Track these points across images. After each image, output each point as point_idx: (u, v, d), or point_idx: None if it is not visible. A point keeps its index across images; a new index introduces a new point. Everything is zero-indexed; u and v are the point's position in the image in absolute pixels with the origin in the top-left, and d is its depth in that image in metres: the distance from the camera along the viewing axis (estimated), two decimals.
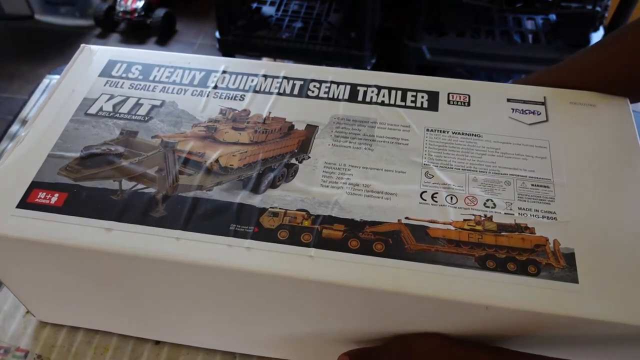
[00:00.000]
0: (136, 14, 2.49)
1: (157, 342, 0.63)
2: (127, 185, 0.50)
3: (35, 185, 0.49)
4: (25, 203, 0.48)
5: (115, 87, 0.58)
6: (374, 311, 0.46)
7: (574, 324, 0.42)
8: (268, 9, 2.19)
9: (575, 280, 0.43)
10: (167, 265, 0.46)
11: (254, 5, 2.18)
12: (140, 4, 2.49)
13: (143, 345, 0.63)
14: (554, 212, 0.47)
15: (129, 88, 0.58)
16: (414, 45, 1.95)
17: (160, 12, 2.48)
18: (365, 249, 0.45)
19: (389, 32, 2.13)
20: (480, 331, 0.46)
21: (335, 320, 0.49)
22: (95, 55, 0.62)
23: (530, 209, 0.47)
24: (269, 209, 0.48)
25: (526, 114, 0.55)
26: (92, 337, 0.63)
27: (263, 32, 2.07)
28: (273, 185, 0.50)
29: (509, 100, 0.56)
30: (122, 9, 2.50)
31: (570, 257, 0.44)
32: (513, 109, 0.56)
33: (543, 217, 0.47)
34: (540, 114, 0.55)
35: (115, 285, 0.51)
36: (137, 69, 0.60)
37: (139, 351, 0.62)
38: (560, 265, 0.44)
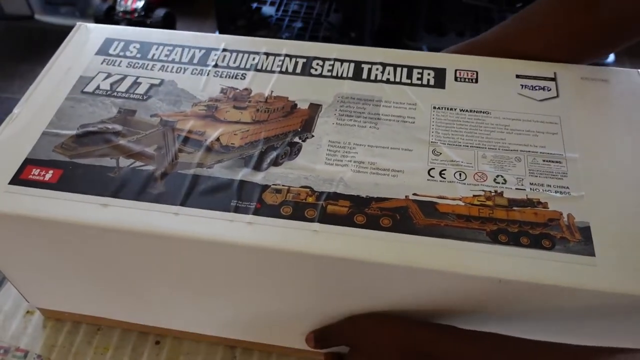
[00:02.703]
0: (136, 14, 2.48)
1: (157, 342, 0.63)
2: (124, 162, 0.48)
3: (29, 162, 0.48)
4: (19, 179, 0.47)
5: (113, 65, 0.57)
6: (379, 287, 0.44)
7: (590, 297, 0.40)
8: (268, 9, 2.18)
9: (592, 253, 0.41)
10: (166, 241, 0.44)
11: (254, 5, 2.18)
12: (140, 4, 2.48)
13: (143, 345, 0.62)
14: (567, 187, 0.46)
15: (126, 66, 0.57)
16: (413, 45, 1.94)
17: (160, 12, 2.47)
18: (372, 224, 0.43)
19: (389, 32, 2.12)
20: (487, 308, 0.44)
21: (335, 298, 0.47)
22: (91, 34, 0.60)
23: (542, 184, 0.46)
24: (272, 186, 0.46)
25: (536, 90, 0.54)
26: (93, 336, 0.63)
27: (263, 32, 2.06)
28: (276, 163, 0.48)
29: (517, 76, 0.55)
30: (122, 9, 2.49)
31: (585, 231, 0.42)
32: (522, 85, 0.54)
33: (556, 192, 0.45)
34: (550, 89, 0.54)
35: (111, 266, 0.49)
36: (135, 47, 0.59)
37: (139, 351, 0.62)
38: (576, 238, 0.42)
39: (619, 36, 0.56)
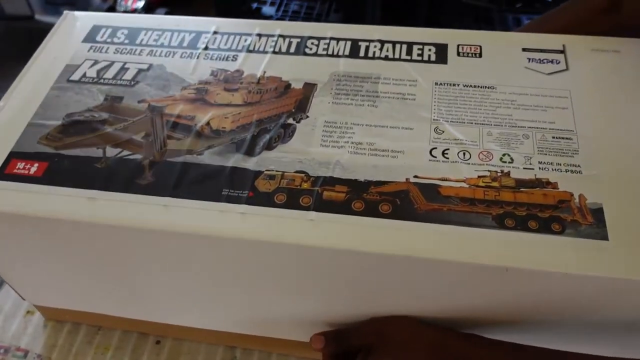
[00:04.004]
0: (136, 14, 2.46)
1: (158, 342, 0.62)
2: (111, 152, 0.46)
3: (13, 156, 0.46)
4: (4, 174, 0.45)
5: (100, 52, 0.54)
6: (379, 279, 0.42)
7: (603, 285, 0.38)
8: (268, 9, 2.14)
9: (605, 237, 0.38)
10: (155, 235, 0.42)
11: (254, 5, 2.14)
12: (140, 4, 2.46)
13: (144, 345, 0.62)
14: (579, 165, 0.43)
15: (114, 53, 0.54)
16: None
17: (160, 12, 2.45)
18: (371, 211, 0.41)
19: None
20: (492, 306, 0.42)
21: (334, 291, 0.45)
22: (78, 22, 0.58)
23: (551, 163, 0.43)
24: (265, 172, 0.44)
25: (544, 63, 0.50)
26: (93, 337, 0.62)
27: None
28: (269, 146, 0.46)
29: (524, 49, 0.52)
30: (122, 9, 2.46)
31: (598, 213, 0.40)
32: (529, 59, 0.51)
33: (566, 170, 0.42)
34: (559, 62, 0.50)
35: (102, 260, 0.47)
36: (123, 33, 0.56)
37: (139, 351, 0.61)
38: (588, 221, 0.39)
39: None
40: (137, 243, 0.44)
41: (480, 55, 0.52)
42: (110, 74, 0.52)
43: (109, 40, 0.56)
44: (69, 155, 0.46)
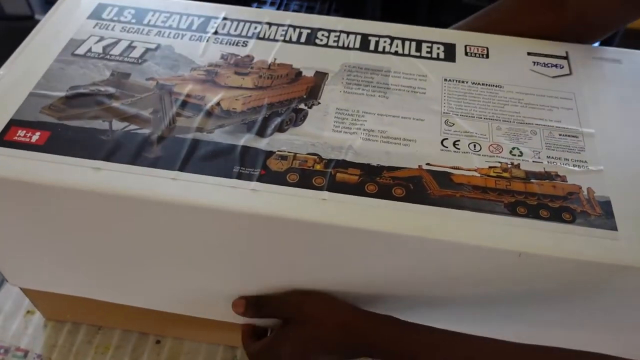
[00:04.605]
0: None
1: (158, 342, 0.61)
2: (118, 125, 0.45)
3: (14, 123, 0.44)
4: (3, 141, 0.43)
5: (106, 29, 0.53)
6: (391, 261, 0.42)
7: (612, 272, 0.38)
8: (268, 9, 2.15)
9: (614, 227, 0.39)
10: (162, 208, 0.41)
11: (254, 5, 2.15)
12: None
13: (144, 345, 0.61)
14: (585, 161, 0.44)
15: (120, 31, 0.53)
16: None
17: None
18: (385, 194, 0.41)
19: None
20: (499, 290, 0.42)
21: (338, 272, 0.45)
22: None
23: (559, 158, 0.44)
24: (277, 152, 0.43)
25: (548, 67, 0.52)
26: (93, 336, 0.61)
27: None
28: (280, 129, 0.45)
29: (529, 53, 0.53)
30: None
31: (606, 205, 0.41)
32: (535, 62, 0.52)
33: (574, 165, 0.43)
34: (563, 67, 0.52)
35: (101, 237, 0.46)
36: (129, 12, 0.55)
37: (140, 350, 0.60)
38: (597, 212, 0.40)
39: (581, 35, 0.55)
40: (142, 216, 0.42)
41: (488, 56, 0.53)
42: (117, 50, 0.51)
43: (115, 18, 0.55)
44: (73, 126, 0.44)
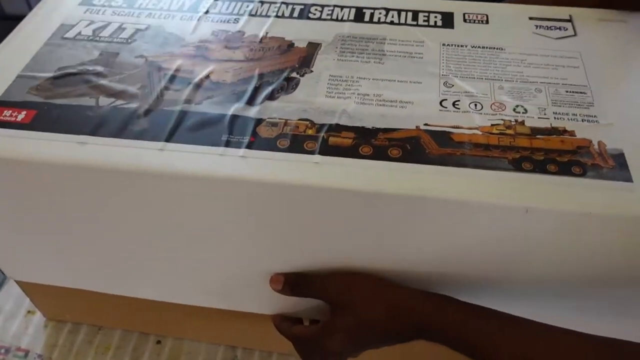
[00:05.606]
0: None
1: (159, 342, 0.60)
2: (104, 101, 0.43)
3: (0, 104, 0.43)
4: None
5: (97, 14, 0.53)
6: (387, 229, 0.39)
7: (627, 227, 0.35)
8: None
9: (628, 179, 0.36)
10: (149, 179, 0.39)
11: None
12: None
13: (144, 345, 0.60)
14: (595, 116, 0.41)
15: (111, 15, 0.53)
16: None
17: None
18: (380, 155, 0.38)
19: None
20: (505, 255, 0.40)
21: (335, 243, 0.42)
22: None
23: (567, 113, 0.41)
24: (267, 119, 0.41)
25: (552, 29, 0.50)
26: (94, 336, 0.61)
27: None
28: (271, 97, 0.43)
29: (531, 18, 0.51)
30: None
31: (619, 157, 0.38)
32: (537, 26, 0.50)
33: (583, 120, 0.41)
34: (567, 29, 0.50)
35: (89, 218, 0.44)
36: None
37: (140, 350, 0.60)
38: (609, 165, 0.37)
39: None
40: (128, 189, 0.41)
41: (487, 22, 0.51)
42: (106, 32, 0.50)
43: (106, 3, 0.54)
44: (60, 104, 0.43)
